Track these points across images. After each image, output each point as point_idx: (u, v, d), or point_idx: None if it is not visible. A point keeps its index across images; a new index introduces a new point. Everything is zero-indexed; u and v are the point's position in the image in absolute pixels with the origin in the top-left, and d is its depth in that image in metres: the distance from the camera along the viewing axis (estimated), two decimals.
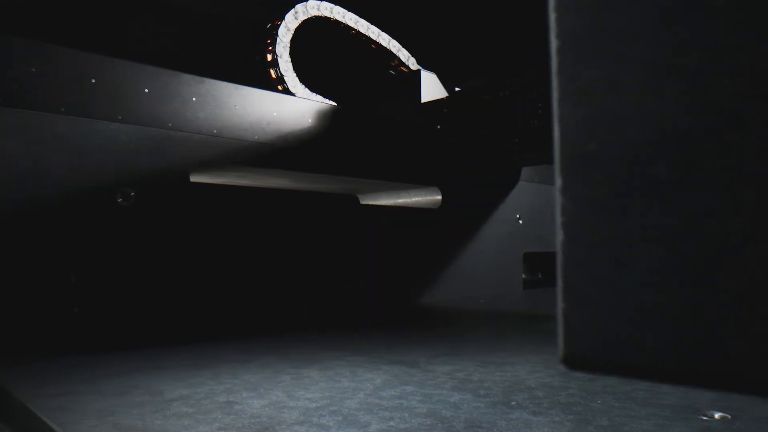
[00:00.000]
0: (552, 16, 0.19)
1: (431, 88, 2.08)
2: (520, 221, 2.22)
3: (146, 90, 1.24)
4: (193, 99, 1.31)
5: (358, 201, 2.02)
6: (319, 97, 1.78)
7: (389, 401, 0.67)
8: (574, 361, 0.20)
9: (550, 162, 2.28)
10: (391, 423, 0.59)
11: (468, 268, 1.99)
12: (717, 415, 0.62)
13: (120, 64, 1.21)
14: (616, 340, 0.20)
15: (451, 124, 1.95)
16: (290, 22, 1.81)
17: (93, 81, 1.17)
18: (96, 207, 1.16)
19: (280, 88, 1.77)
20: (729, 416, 0.61)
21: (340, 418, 0.61)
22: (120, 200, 1.19)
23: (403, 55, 2.15)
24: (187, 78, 1.30)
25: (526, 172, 2.26)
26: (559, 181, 0.19)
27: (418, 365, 0.88)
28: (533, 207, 2.29)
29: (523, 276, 2.28)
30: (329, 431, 0.56)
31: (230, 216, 1.37)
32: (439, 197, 1.90)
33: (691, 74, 0.18)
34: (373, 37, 2.06)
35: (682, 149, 0.19)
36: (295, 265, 1.50)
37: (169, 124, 1.27)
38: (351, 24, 1.98)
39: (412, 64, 2.16)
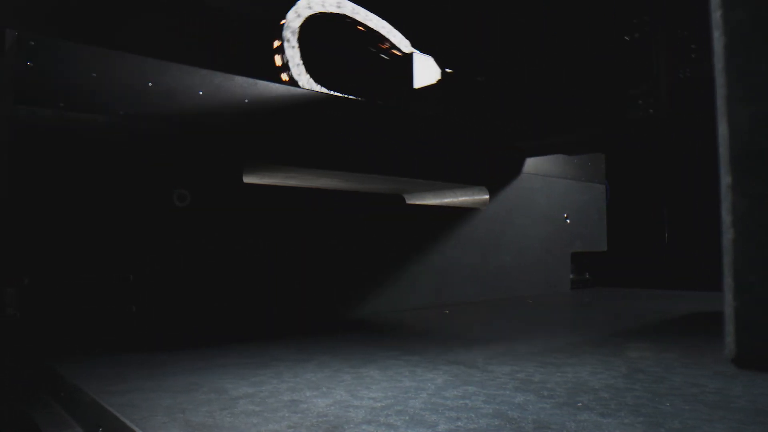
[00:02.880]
0: (717, 13, 0.18)
1: (428, 72, 1.99)
2: (568, 221, 2.19)
3: (200, 92, 1.26)
4: (246, 101, 1.32)
5: (404, 201, 2.02)
6: (323, 90, 1.76)
7: (453, 401, 0.67)
8: (746, 360, 0.20)
9: (559, 151, 2.13)
10: (459, 423, 0.59)
11: (514, 268, 1.97)
12: None
13: (174, 67, 1.24)
14: None
15: (447, 109, 1.87)
16: (301, 9, 1.79)
17: (150, 84, 1.20)
18: (153, 207, 1.19)
19: (284, 76, 1.75)
20: None
21: (407, 417, 0.61)
22: (176, 201, 1.21)
23: (395, 37, 2.05)
24: (240, 80, 1.32)
25: (572, 170, 2.23)
26: (728, 179, 0.18)
27: (476, 365, 0.87)
28: (581, 206, 2.26)
29: (571, 276, 2.25)
30: (397, 431, 0.57)
31: (281, 215, 1.39)
32: (487, 196, 1.89)
33: None
34: (359, 18, 1.96)
35: None
36: (345, 263, 1.51)
37: (223, 126, 1.28)
38: (354, 16, 1.93)
39: (405, 46, 2.05)
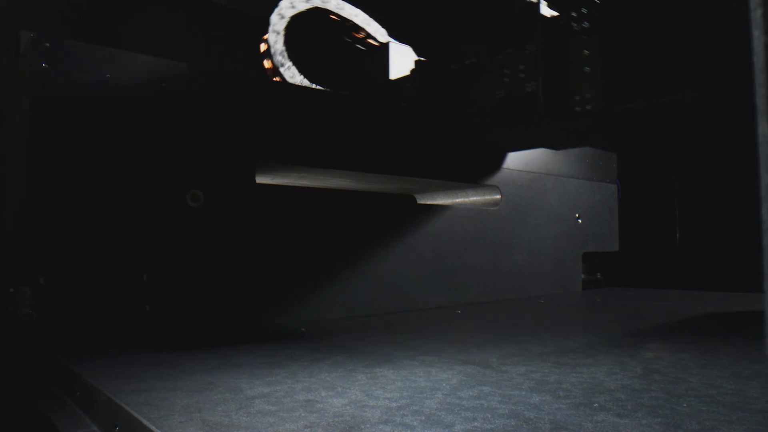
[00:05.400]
0: (757, 12, 0.18)
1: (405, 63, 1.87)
2: (579, 221, 2.18)
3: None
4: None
5: (415, 201, 2.02)
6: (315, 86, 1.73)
7: (469, 401, 0.67)
8: None
9: (541, 146, 2.01)
10: (475, 423, 0.59)
11: (525, 268, 1.96)
12: None
13: (187, 69, 1.24)
14: None
15: (417, 101, 1.76)
16: (285, 9, 1.76)
17: (163, 85, 1.20)
18: (167, 208, 1.19)
19: (276, 79, 1.72)
20: None
21: (423, 417, 0.61)
22: (190, 202, 1.21)
23: (371, 27, 1.98)
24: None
25: (584, 170, 2.22)
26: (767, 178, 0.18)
27: (490, 365, 0.87)
28: (592, 206, 2.25)
29: (582, 276, 2.24)
30: (414, 431, 0.57)
31: (295, 215, 1.39)
32: (498, 196, 1.89)
33: None
34: (331, 7, 1.91)
35: None
36: (351, 263, 1.51)
37: (239, 126, 1.29)
38: (325, 5, 1.87)
39: (381, 36, 1.96)
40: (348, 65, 1.95)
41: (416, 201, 2.01)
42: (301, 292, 1.39)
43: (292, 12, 1.78)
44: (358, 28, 1.91)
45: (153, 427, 0.59)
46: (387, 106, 1.72)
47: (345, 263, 1.48)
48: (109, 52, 1.15)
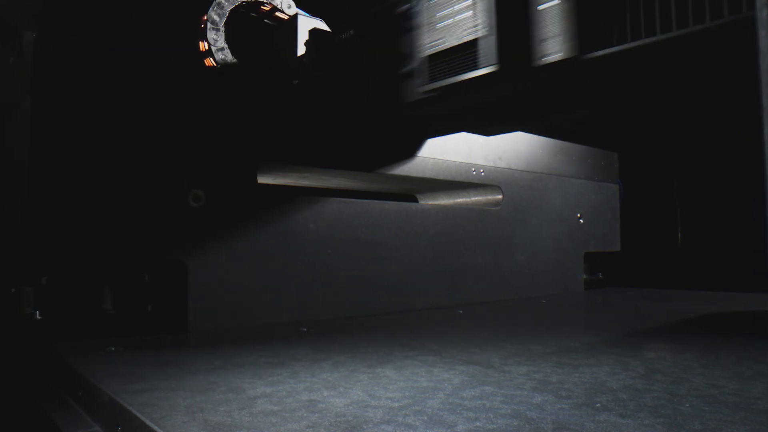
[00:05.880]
0: (762, 12, 0.18)
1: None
2: (581, 220, 2.18)
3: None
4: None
5: (417, 201, 2.02)
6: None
7: (471, 401, 0.67)
8: None
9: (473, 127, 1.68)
10: (478, 423, 0.59)
11: (527, 268, 1.96)
12: None
13: (191, 69, 1.24)
14: None
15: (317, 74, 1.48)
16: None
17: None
18: (169, 207, 1.19)
19: (209, 62, 1.54)
20: None
21: (425, 417, 0.61)
22: (191, 201, 1.21)
23: None
24: None
25: (585, 170, 2.22)
26: None
27: (492, 365, 0.87)
28: (594, 206, 2.25)
29: (584, 276, 2.24)
30: (417, 431, 0.57)
31: (295, 214, 1.39)
32: (500, 196, 1.89)
33: None
34: None
35: None
36: (351, 263, 1.51)
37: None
38: None
39: (288, 6, 1.70)
40: (259, 42, 1.67)
41: (417, 201, 2.01)
42: (301, 292, 1.39)
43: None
44: (262, 2, 1.67)
45: (155, 427, 0.59)
46: (278, 86, 1.51)
47: (345, 263, 1.48)
48: (110, 52, 1.15)
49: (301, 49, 1.50)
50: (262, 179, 1.38)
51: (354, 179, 1.65)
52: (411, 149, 1.63)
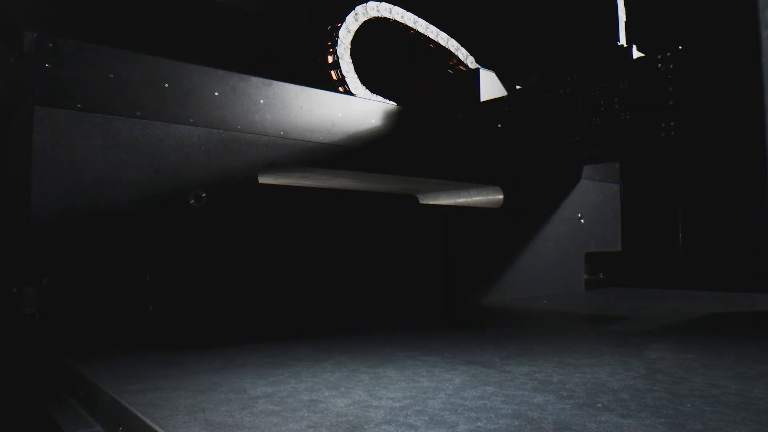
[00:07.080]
0: (765, 12, 0.18)
1: (491, 87, 2.07)
2: (582, 220, 2.18)
3: (216, 93, 1.27)
4: (261, 101, 1.33)
5: (417, 201, 2.02)
6: (380, 98, 1.79)
7: (472, 402, 0.67)
8: None
9: (611, 159, 2.22)
10: (479, 423, 0.59)
11: (528, 268, 1.96)
12: None
13: (190, 68, 1.24)
14: None
15: (512, 122, 1.94)
16: (351, 24, 1.82)
17: (166, 85, 1.20)
18: (169, 208, 1.19)
19: (341, 89, 1.78)
20: None
21: (426, 418, 0.61)
22: (192, 202, 1.21)
23: (462, 53, 2.13)
24: (255, 81, 1.32)
25: (587, 170, 2.22)
26: None
27: (493, 366, 0.87)
28: (595, 206, 2.25)
29: (585, 276, 2.24)
30: (418, 431, 0.57)
31: (296, 215, 1.39)
32: (501, 197, 1.89)
33: None
34: (432, 36, 2.05)
35: None
36: (356, 265, 1.51)
37: (238, 126, 1.29)
38: (410, 24, 1.98)
39: (471, 62, 2.14)
40: (437, 85, 2.23)
41: (418, 201, 2.01)
42: (302, 292, 1.39)
43: (365, 18, 1.86)
44: (451, 55, 2.13)
45: (156, 427, 0.59)
46: (485, 125, 2.00)
47: (345, 263, 1.48)
48: (111, 52, 1.15)
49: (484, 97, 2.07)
50: (262, 179, 1.38)
51: (354, 179, 1.65)
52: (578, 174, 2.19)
